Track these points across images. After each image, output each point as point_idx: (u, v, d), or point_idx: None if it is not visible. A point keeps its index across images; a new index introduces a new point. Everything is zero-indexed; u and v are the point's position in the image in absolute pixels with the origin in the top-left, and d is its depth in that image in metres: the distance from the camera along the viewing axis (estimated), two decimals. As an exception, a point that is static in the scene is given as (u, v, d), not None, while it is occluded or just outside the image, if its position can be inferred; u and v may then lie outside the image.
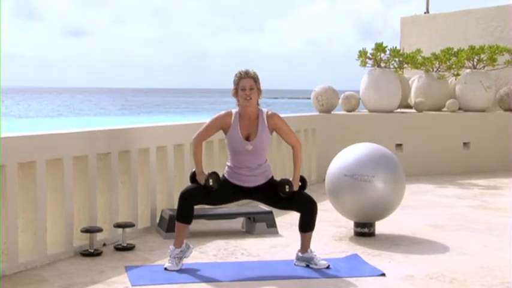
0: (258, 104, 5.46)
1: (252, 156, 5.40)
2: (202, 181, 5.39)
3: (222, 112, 5.50)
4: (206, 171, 5.50)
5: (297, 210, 5.50)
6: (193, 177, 5.52)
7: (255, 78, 5.40)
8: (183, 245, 5.47)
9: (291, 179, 5.48)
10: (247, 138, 5.39)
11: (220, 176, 5.50)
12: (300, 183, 5.53)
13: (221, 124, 5.47)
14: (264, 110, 5.49)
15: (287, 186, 5.39)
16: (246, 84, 5.36)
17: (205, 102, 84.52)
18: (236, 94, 5.42)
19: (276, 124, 5.46)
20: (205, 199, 5.48)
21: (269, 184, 5.49)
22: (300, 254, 5.56)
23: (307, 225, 5.51)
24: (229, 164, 5.52)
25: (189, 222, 5.45)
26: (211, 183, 5.36)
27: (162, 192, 7.15)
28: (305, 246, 5.54)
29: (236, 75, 5.43)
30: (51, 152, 5.71)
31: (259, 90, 5.42)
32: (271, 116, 5.45)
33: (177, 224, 5.46)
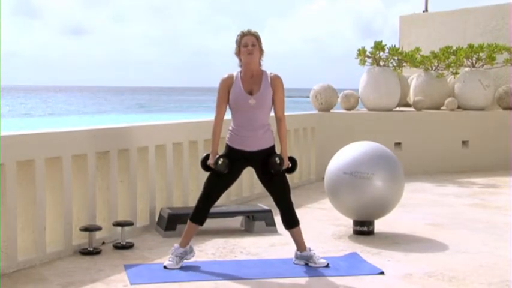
0: (260, 64, 5.44)
1: (255, 113, 5.34)
2: (212, 161, 5.40)
3: (224, 76, 5.46)
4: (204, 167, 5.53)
5: (274, 195, 5.48)
6: (204, 161, 5.51)
7: (257, 37, 5.39)
8: (188, 246, 5.49)
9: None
10: (250, 94, 5.36)
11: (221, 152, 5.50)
12: (290, 164, 5.53)
13: (227, 86, 5.40)
14: (268, 71, 5.47)
15: (277, 158, 5.36)
16: (248, 41, 5.35)
17: (207, 101, 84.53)
18: (239, 53, 5.40)
19: (277, 86, 5.41)
20: (221, 187, 5.50)
21: (269, 154, 5.44)
22: (298, 252, 5.56)
23: (290, 220, 5.50)
24: (231, 127, 5.47)
25: (201, 223, 5.51)
26: (220, 163, 5.34)
27: (161, 190, 7.15)
28: (300, 243, 5.54)
29: (238, 34, 5.41)
30: (50, 151, 5.71)
31: (261, 49, 5.41)
32: (275, 77, 5.43)
33: (189, 224, 5.49)
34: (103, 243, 6.20)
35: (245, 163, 5.50)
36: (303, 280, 5.17)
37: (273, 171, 5.39)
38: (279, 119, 5.49)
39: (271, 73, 5.44)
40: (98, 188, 6.30)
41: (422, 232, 6.84)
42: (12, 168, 5.32)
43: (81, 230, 5.94)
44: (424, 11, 15.95)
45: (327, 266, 5.46)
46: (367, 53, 11.81)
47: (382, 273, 5.33)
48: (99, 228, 6.04)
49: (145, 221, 6.90)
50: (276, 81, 5.41)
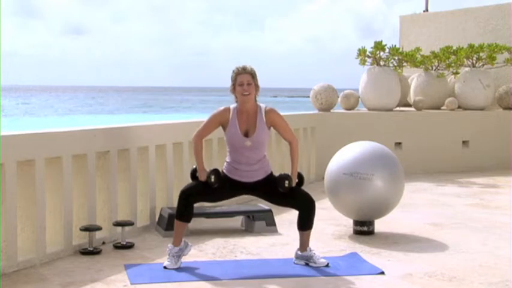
0: (255, 100, 5.45)
1: (251, 152, 5.39)
2: (203, 178, 5.39)
3: (221, 108, 5.49)
4: (206, 169, 5.51)
5: (296, 208, 5.50)
6: (193, 174, 5.51)
7: (252, 74, 5.39)
8: (182, 243, 5.47)
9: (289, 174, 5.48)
10: (246, 134, 5.38)
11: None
12: (297, 180, 5.54)
13: (220, 120, 5.45)
14: (262, 105, 5.47)
15: (286, 182, 5.39)
16: (244, 79, 5.35)
17: (207, 101, 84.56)
18: (234, 90, 5.41)
19: (274, 119, 5.45)
20: (205, 196, 5.48)
21: (268, 180, 5.49)
22: (299, 252, 5.56)
23: (305, 224, 5.50)
24: (228, 160, 5.51)
25: (188, 220, 5.46)
26: (212, 180, 5.36)
27: (161, 190, 7.15)
28: (304, 244, 5.54)
29: (233, 71, 5.42)
30: (50, 150, 5.71)
31: (256, 86, 5.41)
32: (269, 112, 5.45)
33: (176, 222, 5.46)
34: (103, 243, 6.20)
35: (240, 192, 5.56)
36: (303, 280, 5.16)
37: (282, 190, 5.42)
38: (290, 142, 5.57)
39: (266, 107, 5.44)
40: (98, 187, 6.30)
41: (422, 232, 6.84)
42: (12, 168, 5.32)
43: (81, 229, 5.95)
44: (424, 11, 15.95)
45: (327, 265, 5.46)
46: (368, 52, 11.81)
47: (382, 273, 5.33)
48: (99, 228, 6.04)
49: (145, 221, 6.90)
50: (271, 116, 5.44)
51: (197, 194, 5.43)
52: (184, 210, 5.40)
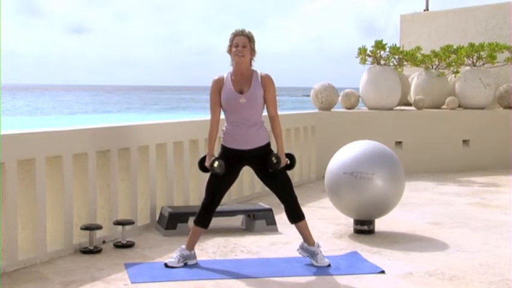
0: (251, 65, 5.43)
1: (246, 112, 5.34)
2: (209, 163, 5.41)
3: (215, 78, 5.46)
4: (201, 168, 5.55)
5: (277, 192, 5.48)
6: (202, 162, 5.52)
7: (249, 38, 5.38)
8: (193, 251, 5.51)
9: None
10: (241, 93, 5.35)
11: (217, 152, 5.51)
12: (288, 161, 5.52)
13: (218, 88, 5.41)
14: (258, 71, 5.47)
15: (273, 158, 5.36)
16: (240, 41, 5.35)
17: (208, 101, 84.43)
18: (230, 51, 5.41)
19: (267, 84, 5.40)
20: (223, 191, 5.49)
21: (264, 152, 5.43)
22: (305, 244, 5.54)
23: (295, 214, 5.49)
24: (225, 127, 5.47)
25: (206, 227, 5.53)
26: (215, 165, 5.35)
27: (162, 189, 7.15)
28: (308, 238, 5.53)
29: (232, 32, 5.42)
30: (51, 149, 5.71)
31: (252, 50, 5.40)
32: (266, 76, 5.42)
33: (194, 227, 5.51)
34: (103, 242, 6.21)
35: (242, 162, 5.50)
36: (303, 279, 5.17)
37: (272, 170, 5.39)
38: (272, 118, 5.48)
39: (261, 72, 5.44)
40: (99, 186, 6.30)
41: (423, 231, 6.84)
42: (12, 167, 5.32)
43: (81, 228, 5.95)
44: (424, 10, 15.95)
45: (329, 266, 5.45)
46: (368, 52, 11.81)
47: (382, 272, 5.33)
48: (99, 227, 6.05)
49: (145, 220, 6.90)
50: (266, 80, 5.41)
51: (216, 194, 5.44)
52: (204, 216, 5.46)
